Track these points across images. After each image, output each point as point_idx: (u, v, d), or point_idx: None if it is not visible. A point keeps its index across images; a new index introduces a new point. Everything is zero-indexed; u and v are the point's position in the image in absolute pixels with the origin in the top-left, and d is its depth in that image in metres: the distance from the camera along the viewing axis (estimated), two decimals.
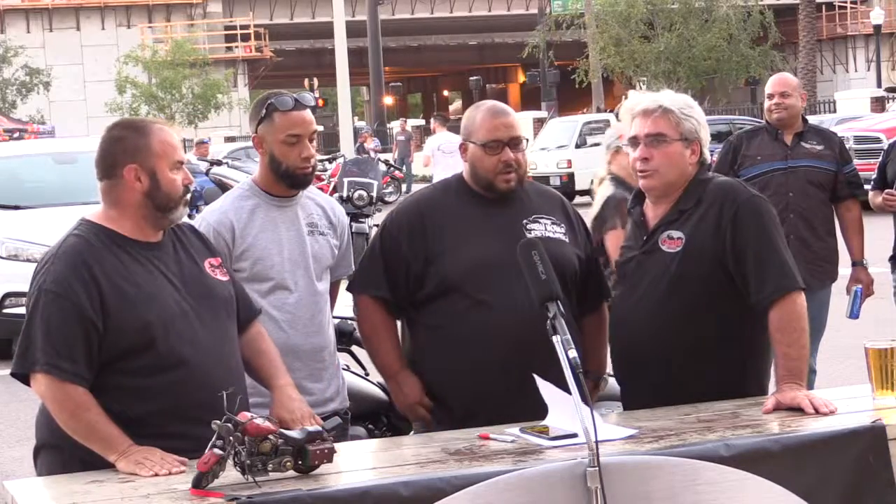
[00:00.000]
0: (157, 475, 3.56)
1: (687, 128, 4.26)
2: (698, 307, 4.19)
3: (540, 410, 4.05)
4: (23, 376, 3.78)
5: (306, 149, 4.56)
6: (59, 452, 3.83)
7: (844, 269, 7.58)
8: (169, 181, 3.87)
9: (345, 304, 5.64)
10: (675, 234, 4.24)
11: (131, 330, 3.75)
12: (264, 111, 4.57)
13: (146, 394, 3.76)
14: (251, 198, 4.63)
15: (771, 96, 7.46)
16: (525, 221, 4.47)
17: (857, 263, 7.53)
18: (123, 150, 3.87)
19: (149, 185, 3.85)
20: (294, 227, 4.63)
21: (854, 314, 7.51)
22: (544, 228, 4.47)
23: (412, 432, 4.79)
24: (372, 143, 36.89)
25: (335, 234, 4.75)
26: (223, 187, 17.12)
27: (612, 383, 4.66)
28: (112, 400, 3.72)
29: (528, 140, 4.55)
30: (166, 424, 3.74)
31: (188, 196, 3.93)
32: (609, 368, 4.74)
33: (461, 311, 4.39)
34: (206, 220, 4.59)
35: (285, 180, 4.59)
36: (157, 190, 3.86)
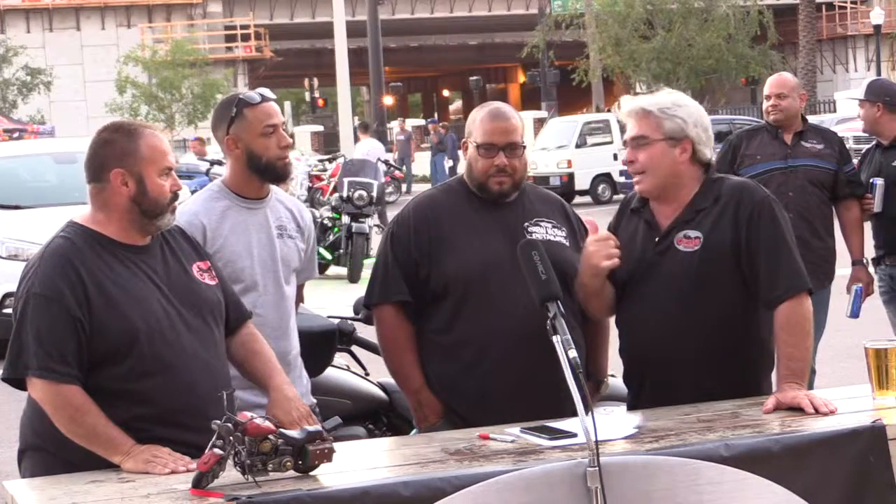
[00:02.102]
0: (174, 472, 3.56)
1: (670, 127, 4.24)
2: (716, 306, 4.18)
3: (541, 410, 4.06)
4: (15, 381, 3.77)
5: (283, 138, 4.60)
6: (44, 455, 3.82)
7: (845, 269, 7.58)
8: (156, 187, 3.84)
9: (345, 304, 5.64)
10: (693, 233, 4.24)
11: (116, 333, 3.74)
12: (234, 110, 4.58)
13: (130, 398, 3.74)
14: (222, 199, 4.63)
15: (768, 97, 7.45)
16: (526, 224, 4.47)
17: (857, 262, 7.53)
18: (112, 153, 3.85)
19: (135, 190, 3.83)
20: (264, 230, 4.63)
21: (854, 313, 7.52)
22: (545, 231, 4.47)
23: (413, 432, 4.79)
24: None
25: (302, 237, 4.76)
26: None
27: (614, 384, 4.66)
28: (96, 403, 3.71)
29: (524, 147, 4.53)
30: (151, 429, 3.73)
31: (176, 202, 3.91)
32: (611, 370, 4.74)
33: (463, 312, 4.39)
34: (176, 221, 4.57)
35: (266, 174, 4.59)
36: (144, 195, 3.83)
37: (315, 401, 4.81)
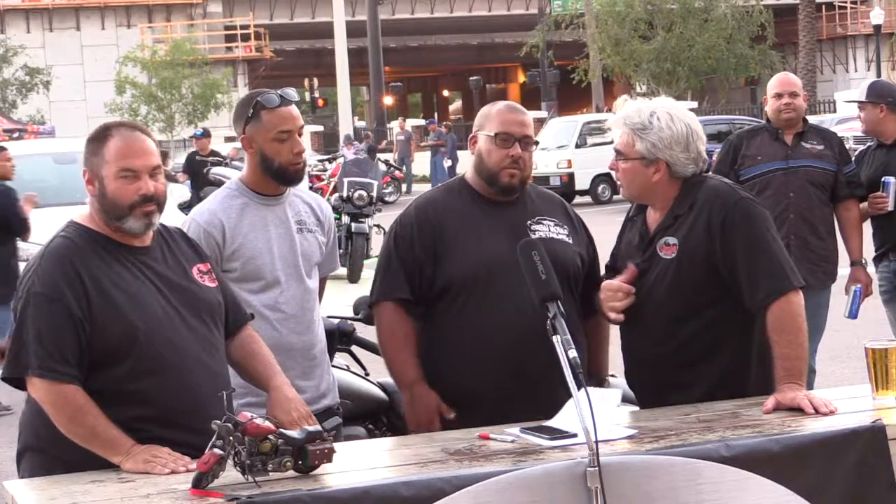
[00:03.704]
0: (174, 472, 3.56)
1: (641, 148, 4.24)
2: (698, 310, 4.19)
3: (541, 409, 4.05)
4: (15, 380, 3.77)
5: (297, 144, 4.58)
6: (43, 456, 3.81)
7: (843, 269, 7.57)
8: (113, 189, 3.79)
9: (345, 303, 5.64)
10: (671, 240, 4.25)
11: (115, 333, 3.73)
12: (251, 111, 4.57)
13: (130, 398, 3.74)
14: (240, 197, 4.63)
15: (780, 96, 7.38)
16: (529, 222, 4.48)
17: (856, 263, 7.52)
18: (87, 152, 3.86)
19: (98, 190, 3.83)
20: (283, 226, 4.63)
21: (853, 314, 7.51)
22: (548, 229, 4.48)
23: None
24: (352, 150, 34.98)
25: (323, 230, 4.77)
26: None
27: (615, 384, 4.66)
28: (96, 404, 3.71)
29: (538, 143, 4.56)
30: (150, 429, 3.72)
31: (148, 207, 3.80)
32: (612, 369, 4.75)
33: (466, 310, 4.39)
34: (195, 220, 4.57)
35: (278, 178, 4.59)
36: (104, 196, 3.81)
37: (339, 400, 4.82)
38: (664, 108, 4.28)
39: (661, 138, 4.23)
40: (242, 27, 51.61)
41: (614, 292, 4.28)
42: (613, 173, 4.40)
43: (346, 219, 16.90)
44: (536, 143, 4.55)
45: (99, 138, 3.85)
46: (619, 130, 4.30)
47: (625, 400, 4.73)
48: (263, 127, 4.55)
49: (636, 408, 4.44)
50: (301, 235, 4.66)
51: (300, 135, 4.62)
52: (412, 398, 4.49)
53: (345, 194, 17.12)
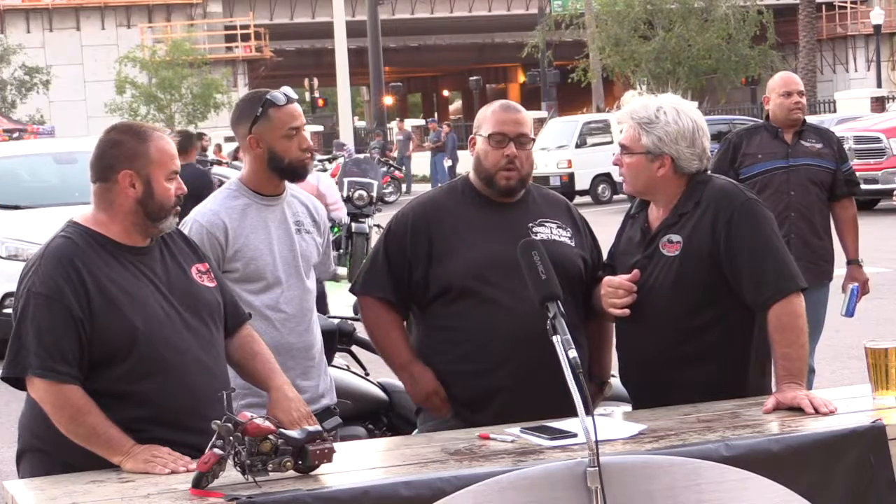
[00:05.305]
0: (174, 472, 3.56)
1: (646, 142, 4.24)
2: (699, 309, 4.19)
3: (542, 408, 4.06)
4: (14, 380, 3.77)
5: (304, 140, 4.63)
6: (43, 456, 3.81)
7: (839, 268, 7.58)
8: (163, 190, 3.85)
9: (345, 303, 5.65)
10: (675, 237, 4.25)
11: (116, 334, 3.73)
12: (260, 110, 4.58)
13: (129, 399, 3.74)
14: (240, 197, 4.64)
15: (789, 94, 7.35)
16: (531, 224, 4.46)
17: (853, 262, 7.54)
18: (120, 154, 3.84)
19: (142, 193, 3.83)
20: (283, 226, 4.65)
21: (849, 312, 7.52)
22: (550, 232, 4.47)
23: (415, 432, 4.79)
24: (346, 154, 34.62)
25: (319, 232, 4.79)
26: None
27: (618, 385, 4.67)
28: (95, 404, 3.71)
29: (533, 141, 4.56)
30: (150, 430, 3.72)
31: (179, 206, 3.91)
32: (614, 370, 4.75)
33: (466, 311, 4.38)
34: (197, 221, 4.57)
35: (287, 174, 4.62)
36: (151, 198, 3.83)
37: (337, 400, 4.83)
38: (671, 103, 4.30)
39: (668, 132, 4.24)
40: (242, 27, 51.60)
41: (615, 289, 4.28)
42: (617, 169, 4.40)
43: (346, 219, 16.91)
44: (532, 139, 4.54)
45: (140, 139, 3.85)
46: (624, 125, 4.30)
47: (620, 400, 4.74)
48: (273, 125, 4.57)
49: (628, 407, 4.45)
50: (299, 236, 4.68)
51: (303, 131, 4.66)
52: (411, 378, 4.48)
53: (345, 194, 17.13)
